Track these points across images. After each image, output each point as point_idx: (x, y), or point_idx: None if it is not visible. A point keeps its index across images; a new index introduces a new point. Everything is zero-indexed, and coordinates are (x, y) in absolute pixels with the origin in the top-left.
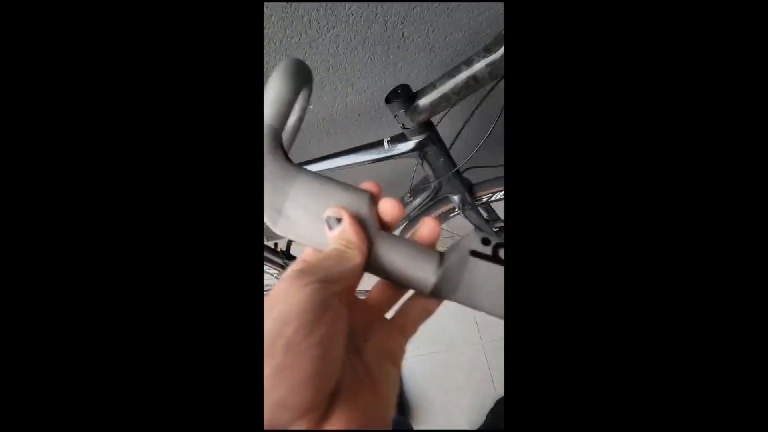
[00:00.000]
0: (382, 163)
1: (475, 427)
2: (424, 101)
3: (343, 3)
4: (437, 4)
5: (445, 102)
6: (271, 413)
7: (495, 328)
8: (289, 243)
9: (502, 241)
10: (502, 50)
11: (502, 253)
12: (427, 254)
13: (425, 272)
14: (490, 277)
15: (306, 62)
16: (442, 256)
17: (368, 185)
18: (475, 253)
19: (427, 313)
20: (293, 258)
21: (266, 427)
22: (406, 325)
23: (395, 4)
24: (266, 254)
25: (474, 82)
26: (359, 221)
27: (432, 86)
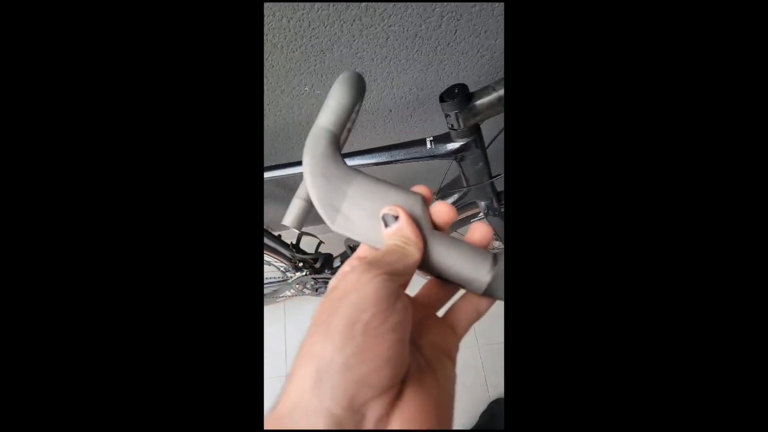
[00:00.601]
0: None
1: (467, 428)
2: (481, 103)
3: None
4: (497, 5)
5: (502, 107)
6: (354, 389)
7: (492, 332)
8: (300, 237)
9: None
10: None
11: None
12: (481, 254)
13: (480, 272)
14: None
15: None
16: (495, 257)
17: (420, 188)
18: None
19: (479, 314)
20: (303, 252)
21: (348, 402)
22: (457, 325)
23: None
24: (275, 245)
25: None
26: (415, 220)
27: (491, 89)
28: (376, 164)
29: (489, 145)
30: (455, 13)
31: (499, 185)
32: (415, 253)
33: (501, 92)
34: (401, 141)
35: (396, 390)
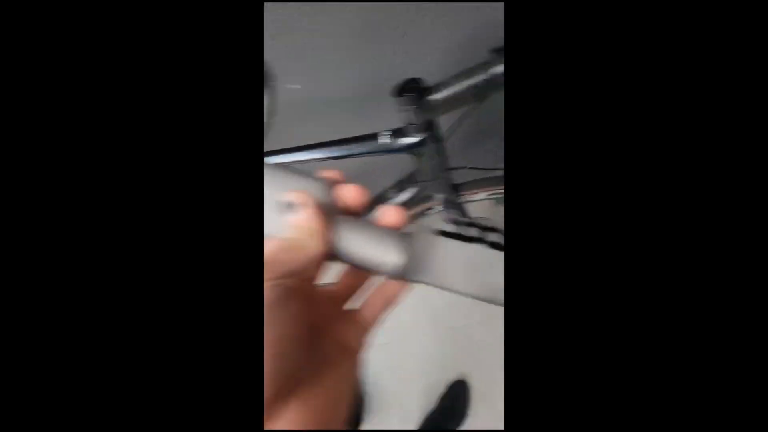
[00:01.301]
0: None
1: (426, 411)
2: (438, 98)
3: None
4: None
5: (460, 101)
6: None
7: (448, 316)
8: None
9: (470, 219)
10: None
11: (470, 231)
12: (393, 236)
13: (392, 254)
14: (462, 256)
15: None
16: (407, 237)
17: (328, 173)
18: (444, 233)
19: (387, 302)
20: None
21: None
22: (367, 317)
23: None
24: None
25: (490, 85)
26: (318, 207)
27: (448, 83)
28: (325, 159)
29: (446, 138)
30: (408, 5)
31: (459, 178)
32: (314, 246)
33: (458, 87)
34: (353, 135)
35: (274, 407)
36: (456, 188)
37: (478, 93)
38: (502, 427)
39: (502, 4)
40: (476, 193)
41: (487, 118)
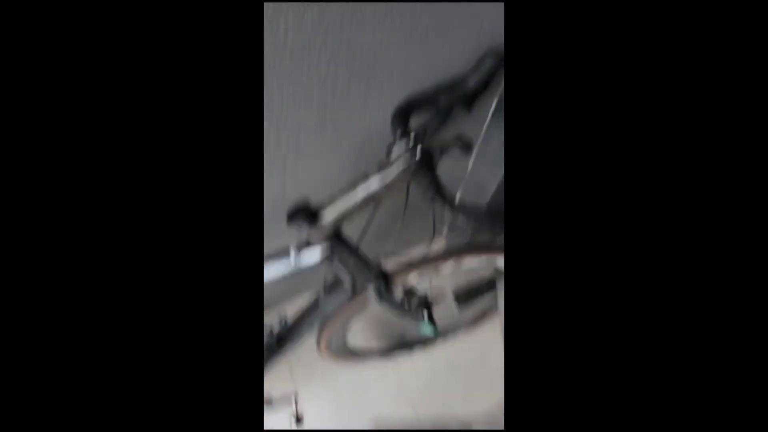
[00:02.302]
0: None
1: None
2: (327, 217)
3: None
4: (326, 118)
5: (351, 214)
6: None
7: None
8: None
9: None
10: (394, 170)
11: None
12: None
13: None
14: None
15: None
16: None
17: None
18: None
19: None
20: None
21: None
22: None
23: (287, 121)
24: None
25: (373, 196)
26: None
27: (333, 200)
28: None
29: (361, 238)
30: (292, 129)
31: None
32: None
33: (344, 203)
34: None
35: None
36: (385, 276)
37: (363, 205)
38: None
39: (378, 114)
40: (407, 275)
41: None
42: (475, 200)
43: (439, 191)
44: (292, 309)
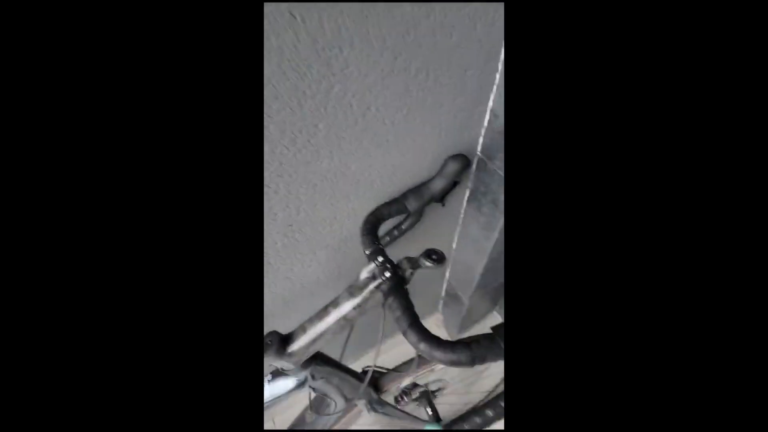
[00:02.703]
0: None
1: None
2: (297, 346)
3: None
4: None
5: (321, 341)
6: None
7: None
8: None
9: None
10: (365, 293)
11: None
12: None
13: None
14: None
15: None
16: None
17: None
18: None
19: None
20: None
21: None
22: None
23: None
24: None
25: (346, 321)
26: None
27: (302, 329)
28: None
29: (342, 355)
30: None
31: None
32: None
33: (314, 332)
34: None
35: None
36: (377, 386)
37: (334, 331)
38: None
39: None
40: (400, 382)
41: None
42: (463, 280)
43: (414, 323)
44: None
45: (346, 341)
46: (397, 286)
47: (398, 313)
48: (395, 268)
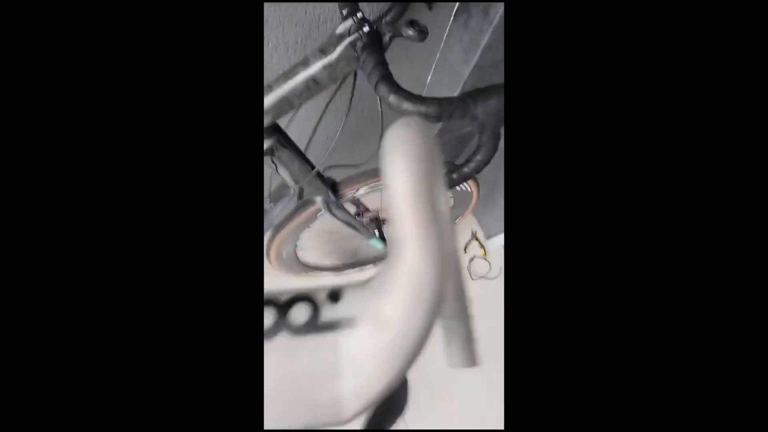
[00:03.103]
0: None
1: None
2: (264, 104)
3: None
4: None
5: (288, 105)
6: None
7: None
8: None
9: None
10: (338, 51)
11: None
12: None
13: None
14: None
15: None
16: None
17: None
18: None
19: None
20: None
21: None
22: None
23: None
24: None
25: (314, 84)
26: None
27: (269, 87)
28: None
29: (309, 143)
30: None
31: (338, 175)
32: None
33: (281, 91)
34: None
35: None
36: (335, 187)
37: (301, 94)
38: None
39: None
40: (357, 188)
41: (368, 112)
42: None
43: (386, 76)
44: None
45: (314, 130)
46: (373, 44)
47: (370, 68)
48: (372, 28)
